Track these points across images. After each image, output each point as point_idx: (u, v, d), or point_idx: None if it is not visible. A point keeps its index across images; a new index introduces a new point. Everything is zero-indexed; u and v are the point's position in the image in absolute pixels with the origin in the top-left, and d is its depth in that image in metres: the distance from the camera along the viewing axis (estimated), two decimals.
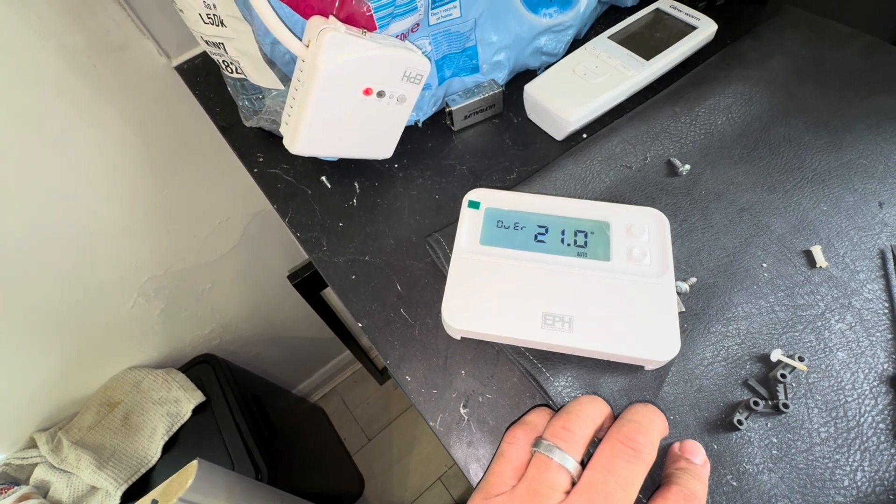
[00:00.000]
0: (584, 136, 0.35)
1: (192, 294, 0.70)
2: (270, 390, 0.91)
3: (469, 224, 0.28)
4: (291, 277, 0.61)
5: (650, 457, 0.20)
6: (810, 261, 0.27)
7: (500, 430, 0.25)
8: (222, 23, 0.29)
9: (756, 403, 0.23)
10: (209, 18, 0.29)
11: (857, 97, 0.33)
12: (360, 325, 0.29)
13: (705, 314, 0.26)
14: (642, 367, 0.25)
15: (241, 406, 0.70)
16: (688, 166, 0.31)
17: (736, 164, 0.32)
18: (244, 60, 0.31)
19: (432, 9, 0.31)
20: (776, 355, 0.24)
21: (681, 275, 0.27)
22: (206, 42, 0.31)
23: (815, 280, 0.26)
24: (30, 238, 0.50)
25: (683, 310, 0.26)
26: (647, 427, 0.21)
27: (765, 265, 0.27)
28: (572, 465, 0.20)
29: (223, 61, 0.32)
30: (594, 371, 0.25)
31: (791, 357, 0.24)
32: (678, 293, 0.26)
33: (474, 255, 0.27)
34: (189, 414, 0.67)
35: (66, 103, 0.44)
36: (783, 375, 0.23)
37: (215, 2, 0.28)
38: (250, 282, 0.76)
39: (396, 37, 0.30)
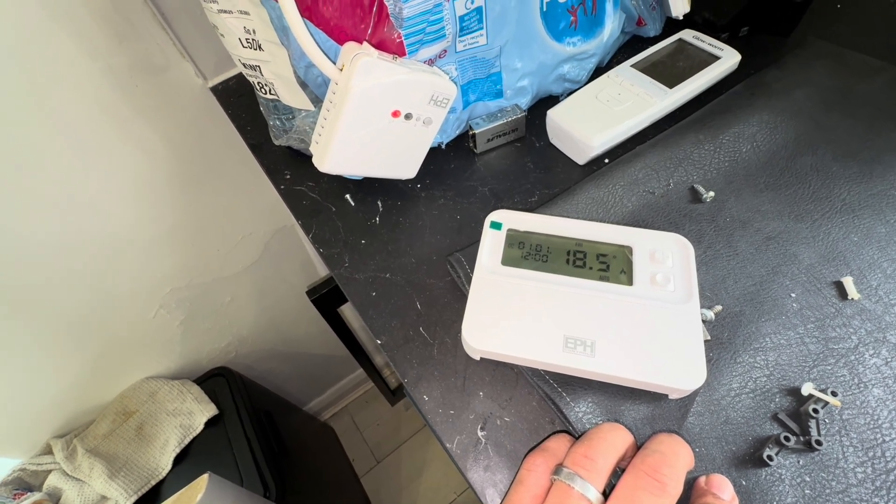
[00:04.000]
0: (606, 160, 0.35)
1: (212, 307, 0.71)
2: (282, 406, 0.91)
3: (491, 245, 0.28)
4: (310, 293, 0.61)
5: (675, 490, 0.19)
6: (841, 292, 0.26)
7: (518, 455, 0.24)
8: (260, 47, 0.30)
9: (787, 438, 0.22)
10: (248, 43, 0.30)
11: (887, 129, 0.33)
12: (379, 341, 0.29)
13: (732, 343, 0.25)
14: (666, 395, 0.24)
15: (252, 421, 0.70)
16: (712, 193, 0.31)
17: (761, 193, 0.31)
18: (278, 82, 0.32)
19: (460, 36, 0.32)
20: (807, 389, 0.23)
21: (706, 302, 0.27)
22: (244, 64, 0.33)
23: (847, 312, 0.26)
24: (62, 246, 0.52)
25: (709, 338, 0.26)
26: (673, 458, 0.20)
27: (793, 295, 0.27)
28: (594, 495, 0.19)
29: (258, 83, 0.34)
30: (616, 398, 0.24)
31: (823, 391, 0.23)
32: (703, 321, 0.26)
33: (495, 276, 0.27)
34: (201, 427, 0.67)
35: (106, 120, 0.47)
36: (815, 410, 0.22)
37: (255, 27, 0.29)
38: (268, 296, 0.77)
39: (425, 62, 0.31)
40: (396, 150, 0.32)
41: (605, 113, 0.34)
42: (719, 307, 0.27)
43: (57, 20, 0.39)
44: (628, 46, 0.43)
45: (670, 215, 0.31)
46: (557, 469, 0.21)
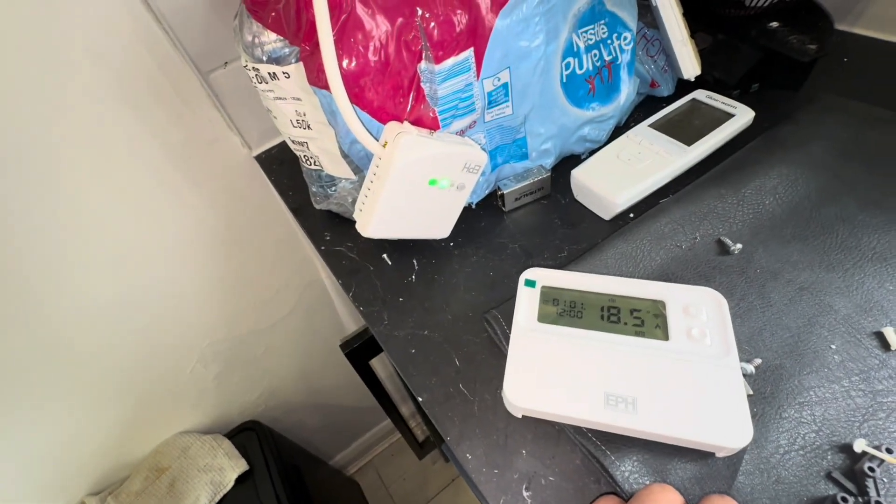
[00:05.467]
0: (631, 215, 0.37)
1: (246, 359, 0.73)
2: (310, 461, 0.90)
3: (526, 302, 0.29)
4: (343, 347, 0.63)
5: None
6: (883, 343, 0.26)
7: None
8: (309, 126, 0.34)
9: (844, 500, 0.21)
10: (298, 123, 0.34)
11: None
12: (420, 399, 0.30)
13: (775, 398, 0.25)
14: (713, 453, 0.24)
15: (282, 477, 0.70)
16: (739, 245, 0.32)
17: (789, 243, 0.32)
18: (323, 155, 0.36)
19: (488, 109, 0.35)
20: (860, 446, 0.23)
21: (744, 356, 0.27)
22: (292, 141, 0.36)
23: (893, 364, 0.26)
24: (112, 302, 0.55)
25: (751, 392, 0.26)
26: None
27: (833, 347, 0.27)
28: None
29: (304, 155, 0.37)
30: (662, 456, 0.24)
31: (878, 448, 0.22)
32: (744, 375, 0.26)
33: (533, 334, 0.28)
34: (232, 483, 0.67)
35: (162, 188, 0.51)
36: (871, 469, 0.22)
37: (306, 111, 0.33)
38: (299, 347, 0.79)
39: (456, 133, 0.34)
40: (432, 214, 0.34)
41: (627, 171, 0.36)
42: (759, 360, 0.27)
43: (125, 104, 0.44)
44: (643, 106, 0.45)
45: (699, 268, 0.32)
46: None
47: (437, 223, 0.35)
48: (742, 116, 0.39)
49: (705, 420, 0.23)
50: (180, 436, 0.72)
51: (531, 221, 0.39)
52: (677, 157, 0.36)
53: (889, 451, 0.22)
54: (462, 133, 0.35)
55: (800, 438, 0.24)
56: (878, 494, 0.21)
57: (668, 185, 0.37)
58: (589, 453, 0.25)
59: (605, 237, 0.35)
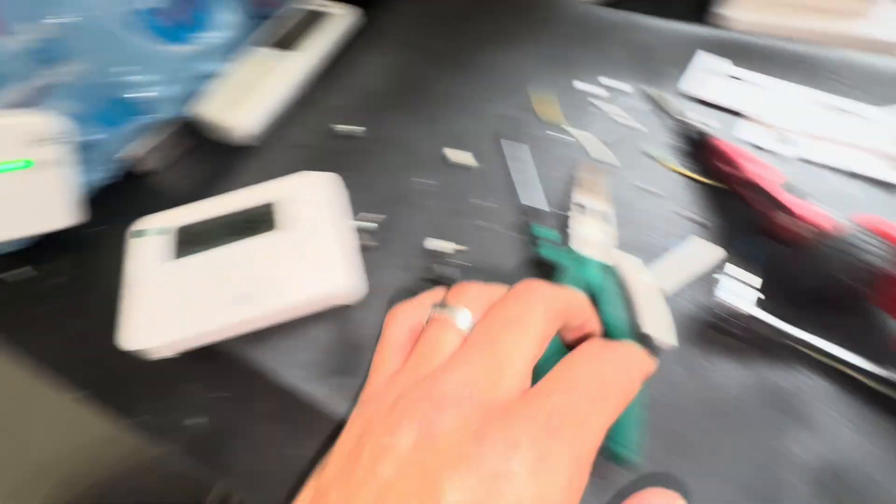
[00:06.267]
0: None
1: None
2: None
3: (136, 253, 0.28)
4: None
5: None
6: (454, 163, 0.33)
7: (253, 433, 0.25)
8: None
9: (424, 287, 0.27)
10: None
11: (467, 36, 0.41)
12: (81, 394, 0.28)
13: (393, 241, 0.30)
14: (345, 307, 0.27)
15: None
16: (359, 127, 0.36)
17: (398, 113, 0.37)
18: None
19: (50, 68, 0.31)
20: (431, 244, 0.28)
21: (368, 217, 0.31)
22: None
23: (461, 174, 0.32)
24: None
25: (376, 244, 0.30)
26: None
27: (426, 181, 0.32)
28: (468, 320, 0.17)
29: None
30: (309, 327, 0.27)
31: (448, 242, 0.28)
32: (369, 232, 0.30)
33: (149, 276, 0.27)
34: None
35: None
36: (447, 260, 0.28)
37: None
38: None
39: (14, 105, 0.29)
40: (30, 203, 0.30)
41: (247, 94, 0.37)
42: (382, 216, 0.31)
43: None
44: (257, 25, 0.44)
45: (326, 158, 0.34)
46: (431, 308, 0.18)
47: (48, 210, 0.31)
48: (347, 16, 0.42)
49: (326, 283, 0.26)
50: None
51: (180, 174, 0.37)
52: (291, 67, 0.38)
53: (458, 242, 0.28)
54: (28, 104, 0.30)
55: (409, 262, 0.29)
56: (449, 277, 0.27)
57: (294, 94, 0.39)
58: (243, 357, 0.27)
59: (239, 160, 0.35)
